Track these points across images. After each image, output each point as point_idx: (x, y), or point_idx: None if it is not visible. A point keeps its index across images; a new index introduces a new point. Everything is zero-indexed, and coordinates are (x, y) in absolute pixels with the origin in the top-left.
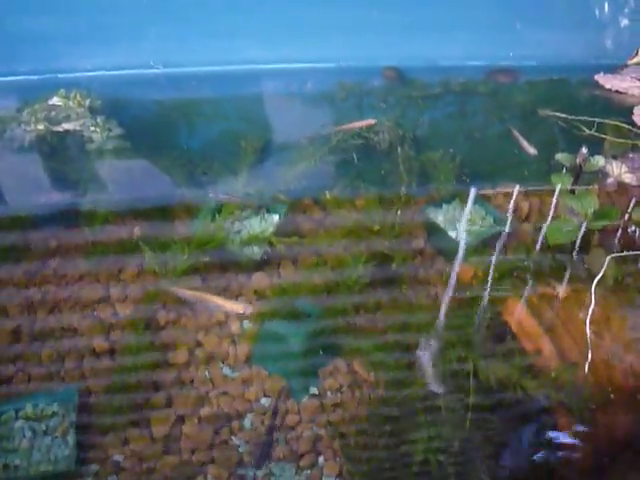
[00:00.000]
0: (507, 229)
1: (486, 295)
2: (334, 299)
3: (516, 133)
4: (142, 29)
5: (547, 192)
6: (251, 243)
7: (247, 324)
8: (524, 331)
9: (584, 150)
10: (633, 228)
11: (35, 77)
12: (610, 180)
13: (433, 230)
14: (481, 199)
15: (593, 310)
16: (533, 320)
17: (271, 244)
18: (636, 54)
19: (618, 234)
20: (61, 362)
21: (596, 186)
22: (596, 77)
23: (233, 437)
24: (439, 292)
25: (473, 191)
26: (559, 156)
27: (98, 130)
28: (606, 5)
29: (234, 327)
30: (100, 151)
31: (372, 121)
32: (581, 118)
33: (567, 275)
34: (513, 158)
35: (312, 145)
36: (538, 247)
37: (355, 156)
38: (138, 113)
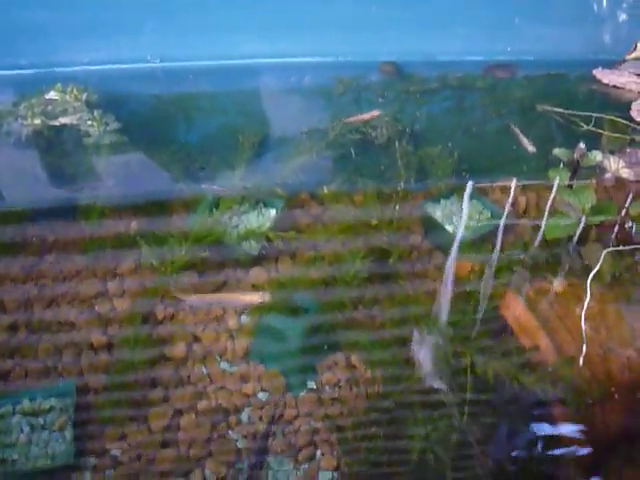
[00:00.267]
0: (504, 224)
1: (483, 290)
2: (332, 294)
3: (516, 130)
4: (139, 23)
5: (545, 187)
6: (249, 238)
7: (245, 319)
8: (521, 326)
9: (582, 145)
10: (630, 223)
11: (32, 71)
12: (607, 175)
13: (431, 225)
14: (479, 194)
15: (590, 305)
16: (530, 315)
17: (269, 239)
18: (634, 49)
19: (615, 229)
20: (59, 357)
21: (594, 181)
22: (594, 72)
23: (230, 431)
24: (437, 287)
25: (470, 186)
26: (557, 151)
27: (95, 124)
28: (604, 0)
29: (232, 322)
30: (97, 145)
31: (376, 112)
32: (579, 113)
33: (564, 270)
34: (511, 153)
35: (310, 139)
36: (536, 242)
37: (353, 151)
38: (135, 107)
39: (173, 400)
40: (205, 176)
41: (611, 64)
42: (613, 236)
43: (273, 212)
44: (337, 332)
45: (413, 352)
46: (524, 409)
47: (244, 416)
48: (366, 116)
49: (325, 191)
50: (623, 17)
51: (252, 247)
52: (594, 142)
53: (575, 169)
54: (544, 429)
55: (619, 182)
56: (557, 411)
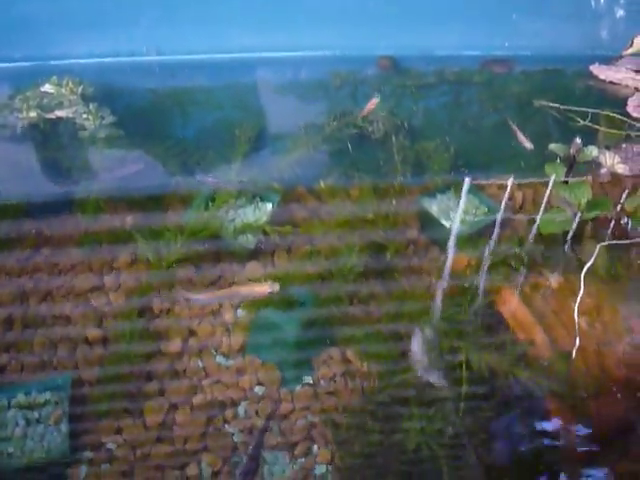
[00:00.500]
0: (500, 219)
1: (480, 285)
2: (328, 288)
3: (514, 127)
4: (136, 16)
5: (541, 182)
6: (245, 232)
7: (241, 313)
8: (517, 320)
9: (578, 140)
10: (626, 219)
11: (27, 64)
12: (603, 170)
13: (427, 220)
14: (475, 189)
15: (586, 300)
16: (526, 309)
17: (265, 233)
18: (631, 45)
19: (611, 224)
20: (54, 351)
21: (589, 177)
22: (591, 68)
23: (226, 425)
24: (433, 282)
25: (467, 181)
26: (553, 146)
27: (90, 117)
28: None
29: (228, 316)
30: (92, 139)
31: (375, 100)
32: (576, 109)
33: (560, 265)
34: (508, 148)
35: (306, 134)
36: (532, 237)
37: (350, 145)
38: (131, 101)
39: (169, 394)
40: (201, 170)
41: (608, 60)
42: (609, 232)
43: (269, 206)
44: (333, 326)
45: (409, 346)
46: (519, 403)
47: (240, 410)
48: (369, 106)
49: (322, 185)
50: (620, 13)
51: (248, 241)
52: (590, 137)
53: (571, 164)
54: (539, 423)
55: (615, 177)
56: (552, 405)
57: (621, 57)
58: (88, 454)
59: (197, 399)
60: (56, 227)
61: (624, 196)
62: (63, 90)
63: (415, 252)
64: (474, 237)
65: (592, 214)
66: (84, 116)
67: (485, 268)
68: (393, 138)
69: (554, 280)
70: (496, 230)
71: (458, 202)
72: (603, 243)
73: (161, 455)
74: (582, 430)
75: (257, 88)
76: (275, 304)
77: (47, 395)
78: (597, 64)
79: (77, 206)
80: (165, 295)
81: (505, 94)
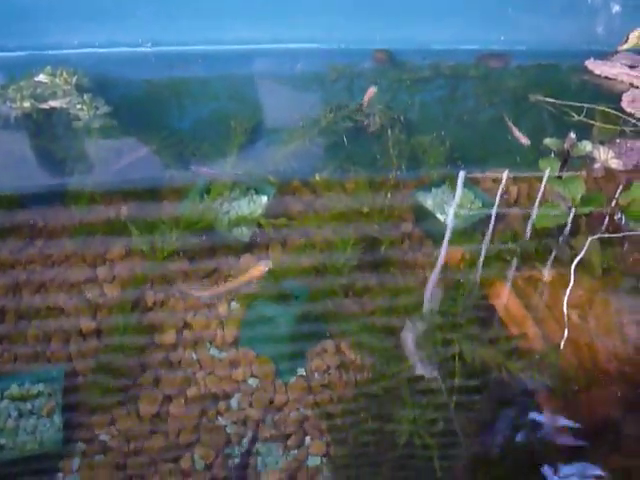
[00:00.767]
0: (495, 213)
1: (473, 278)
2: (322, 281)
3: (510, 123)
4: (132, 7)
5: (536, 177)
6: (240, 224)
7: (235, 305)
8: (510, 314)
9: (572, 135)
10: (620, 214)
11: (21, 53)
12: (597, 165)
13: (422, 214)
14: (470, 183)
15: (579, 294)
16: (519, 303)
17: (260, 225)
18: (626, 41)
19: (605, 219)
20: (47, 342)
21: (583, 171)
22: (586, 63)
23: (220, 417)
24: (427, 275)
25: (462, 175)
26: (547, 141)
27: (85, 108)
28: None
29: (222, 308)
30: (87, 129)
31: (373, 89)
32: (571, 103)
33: (553, 259)
34: (503, 142)
35: (302, 126)
36: (526, 231)
37: (345, 139)
38: (126, 92)
39: (162, 386)
40: (196, 162)
41: (603, 55)
42: (603, 227)
43: (264, 199)
44: (327, 319)
45: (403, 339)
46: (511, 396)
47: (234, 402)
48: (368, 95)
49: (317, 178)
50: (616, 8)
51: (243, 234)
52: (585, 132)
53: (565, 159)
54: (530, 416)
55: (608, 172)
56: (543, 398)
57: (616, 52)
58: (81, 446)
59: (191, 391)
60: (50, 218)
61: (618, 191)
62: (57, 80)
63: (410, 246)
64: (469, 231)
65: (586, 209)
66: (78, 106)
67: (479, 262)
68: (389, 131)
69: (547, 274)
70: (491, 224)
71: (453, 196)
72: (594, 236)
73: (154, 447)
74: (573, 423)
75: (253, 80)
76: (269, 297)
77: (40, 387)
78: (592, 59)
79: (71, 197)
80: (161, 288)
81: (501, 88)
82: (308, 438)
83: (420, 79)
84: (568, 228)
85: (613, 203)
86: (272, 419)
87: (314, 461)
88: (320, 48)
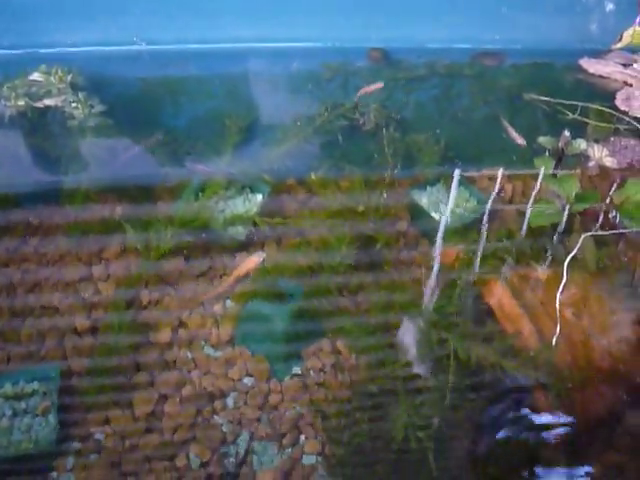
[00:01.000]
0: (490, 211)
1: (469, 277)
2: (318, 280)
3: (506, 124)
4: (126, 4)
5: (530, 175)
6: (235, 223)
7: (230, 304)
8: (505, 312)
9: (566, 133)
10: (614, 212)
11: (16, 52)
12: (591, 163)
13: (417, 212)
14: (465, 181)
15: (573, 292)
16: (514, 301)
17: (255, 224)
18: (620, 39)
19: (600, 217)
20: (42, 341)
21: (578, 170)
22: (580, 61)
23: (215, 416)
24: (422, 274)
25: (457, 173)
26: (542, 139)
27: (80, 106)
28: None
29: (217, 307)
30: (81, 128)
31: (380, 84)
32: (565, 102)
33: (548, 258)
34: (498, 141)
35: (297, 125)
36: (521, 230)
37: (340, 137)
38: (121, 90)
39: (158, 385)
40: (191, 160)
41: (597, 54)
42: (598, 225)
43: (259, 197)
44: (322, 318)
45: (398, 338)
46: (506, 394)
47: (229, 401)
48: (371, 87)
49: (312, 177)
50: (610, 7)
51: (238, 232)
52: (579, 131)
53: (560, 157)
54: (525, 414)
55: (603, 170)
56: (538, 396)
57: (610, 51)
58: (76, 445)
59: (186, 390)
60: (44, 217)
61: (612, 189)
62: (52, 79)
63: (405, 244)
64: (464, 229)
65: (580, 207)
66: (73, 105)
67: (474, 260)
68: (384, 130)
69: (542, 272)
70: (485, 222)
71: (448, 194)
72: (587, 233)
73: (150, 446)
74: (567, 421)
75: (248, 79)
76: (264, 295)
77: (35, 385)
78: (587, 58)
79: (66, 196)
80: (157, 287)
81: (495, 87)
82: (303, 437)
83: (415, 78)
84: (562, 226)
85: (607, 201)
86: (267, 418)
87: (309, 460)
88: (315, 47)
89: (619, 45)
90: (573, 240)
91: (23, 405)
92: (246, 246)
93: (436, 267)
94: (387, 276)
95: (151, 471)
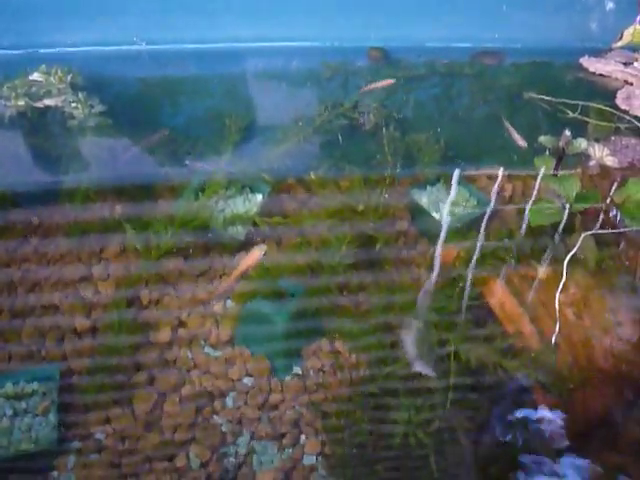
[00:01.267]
0: (490, 211)
1: (469, 277)
2: (318, 279)
3: (507, 125)
4: (125, 5)
5: (531, 175)
6: (235, 222)
7: (230, 303)
8: (505, 312)
9: (567, 133)
10: (615, 211)
11: (16, 52)
12: (592, 163)
13: (417, 212)
14: (465, 181)
15: (574, 292)
16: (514, 301)
17: (255, 224)
18: (620, 38)
19: (601, 216)
20: (42, 341)
21: (578, 169)
22: (581, 60)
23: (215, 416)
24: (422, 273)
25: (457, 173)
26: (542, 139)
27: (79, 106)
28: None
29: (217, 307)
30: (81, 128)
31: (391, 81)
32: (565, 101)
33: (548, 257)
34: (498, 140)
35: (297, 125)
36: (521, 229)
37: (340, 137)
38: (121, 90)
39: (158, 384)
40: (191, 160)
41: (598, 52)
42: (598, 224)
43: (259, 197)
44: (322, 318)
45: (401, 337)
46: (506, 394)
47: (229, 401)
48: (382, 83)
49: (312, 177)
50: (610, 6)
51: (238, 232)
52: (580, 130)
53: (560, 157)
54: (526, 413)
55: (603, 169)
56: (539, 396)
57: (611, 50)
58: (76, 444)
59: (186, 390)
60: (44, 216)
61: (613, 188)
62: (52, 79)
63: (405, 244)
64: (464, 229)
65: (581, 206)
66: (73, 105)
67: (475, 260)
68: (383, 130)
69: (542, 272)
70: (485, 222)
71: (448, 194)
72: (588, 233)
73: (150, 446)
74: (568, 420)
75: (247, 78)
76: (264, 295)
77: (35, 385)
78: (587, 57)
79: (65, 195)
80: (156, 286)
81: (495, 86)
82: (303, 437)
83: (414, 77)
84: (562, 225)
85: (608, 200)
86: (267, 417)
87: (309, 460)
88: (314, 46)
89: (619, 44)
90: (574, 239)
91: (23, 405)
92: (246, 246)
93: (436, 267)
94: (387, 275)
95: (151, 471)
